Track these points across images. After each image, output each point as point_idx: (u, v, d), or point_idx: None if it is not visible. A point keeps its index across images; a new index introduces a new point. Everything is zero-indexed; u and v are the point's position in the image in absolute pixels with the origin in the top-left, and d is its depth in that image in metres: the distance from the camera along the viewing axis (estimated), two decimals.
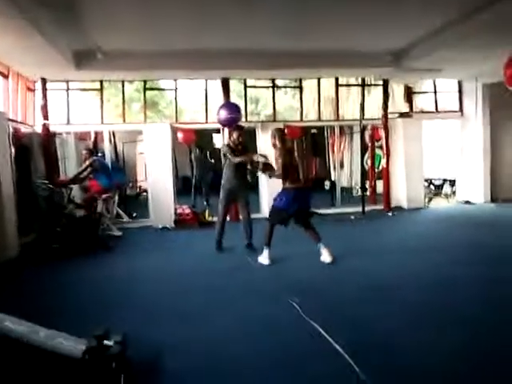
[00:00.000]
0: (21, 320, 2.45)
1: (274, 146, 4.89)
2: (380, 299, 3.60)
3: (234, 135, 5.48)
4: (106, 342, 2.42)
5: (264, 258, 4.85)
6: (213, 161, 10.91)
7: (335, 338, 2.77)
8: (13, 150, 6.14)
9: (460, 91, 9.46)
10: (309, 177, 11.67)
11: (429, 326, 3.00)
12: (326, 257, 4.72)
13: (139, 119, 10.90)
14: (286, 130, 5.32)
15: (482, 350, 2.62)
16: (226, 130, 7.90)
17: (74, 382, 2.24)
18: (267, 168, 4.94)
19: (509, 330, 2.88)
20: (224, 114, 7.33)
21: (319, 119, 9.36)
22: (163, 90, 10.26)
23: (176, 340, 2.90)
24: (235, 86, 9.59)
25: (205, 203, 9.95)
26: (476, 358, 2.51)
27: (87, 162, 6.62)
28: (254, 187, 8.44)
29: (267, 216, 5.08)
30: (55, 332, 2.44)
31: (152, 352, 2.70)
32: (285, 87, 11.21)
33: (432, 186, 10.51)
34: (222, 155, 5.61)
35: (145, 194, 10.66)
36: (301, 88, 8.98)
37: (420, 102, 10.57)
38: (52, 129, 7.50)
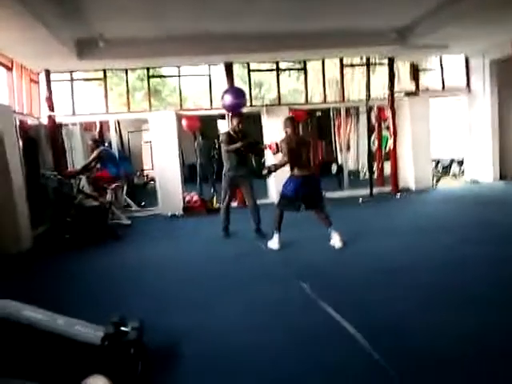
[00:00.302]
0: (39, 308, 2.51)
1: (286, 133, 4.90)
2: (390, 281, 3.62)
3: (234, 122, 5.49)
4: (123, 328, 2.49)
5: (274, 243, 4.88)
6: (217, 146, 10.88)
7: (346, 320, 2.81)
8: (20, 143, 6.19)
9: (467, 68, 9.29)
10: (315, 162, 11.63)
11: (439, 308, 3.02)
12: (336, 241, 4.71)
13: (142, 108, 10.90)
14: (294, 117, 5.28)
15: (491, 331, 2.62)
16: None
17: (94, 368, 2.30)
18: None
19: None
20: (229, 99, 7.29)
21: (325, 101, 9.25)
22: (167, 77, 10.19)
23: (188, 326, 2.94)
24: (238, 71, 9.49)
25: (211, 190, 9.97)
26: (486, 340, 2.52)
27: (95, 153, 6.65)
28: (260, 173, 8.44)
29: (276, 202, 5.08)
30: (73, 319, 2.49)
31: (165, 339, 2.74)
32: (288, 69, 11.09)
33: (440, 166, 10.42)
34: (220, 143, 5.65)
35: (152, 182, 10.71)
36: (305, 70, 8.87)
37: (426, 80, 10.40)
38: (58, 120, 7.52)
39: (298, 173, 4.72)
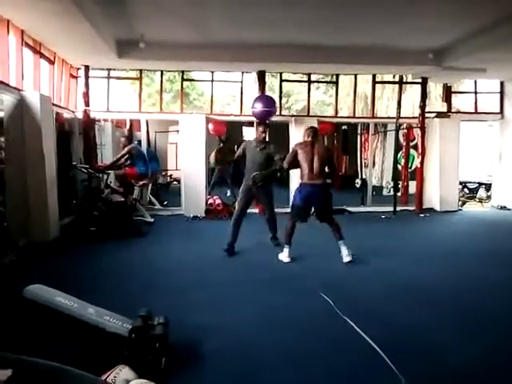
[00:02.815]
0: (71, 296, 2.58)
1: None
2: (408, 299, 3.62)
3: (259, 130, 5.26)
4: (150, 322, 2.54)
5: (284, 256, 4.83)
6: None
7: (366, 333, 2.81)
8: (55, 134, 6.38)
9: (502, 92, 9.13)
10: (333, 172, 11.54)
11: (458, 328, 2.99)
12: (344, 256, 4.65)
13: (170, 109, 11.07)
14: (317, 129, 5.16)
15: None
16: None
17: (120, 359, 2.34)
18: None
19: None
20: (259, 106, 7.35)
21: (354, 115, 9.23)
22: (199, 81, 10.33)
23: (208, 326, 2.98)
24: (267, 80, 9.57)
25: (228, 193, 9.96)
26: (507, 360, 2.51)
27: (126, 149, 6.78)
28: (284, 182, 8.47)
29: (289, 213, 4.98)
30: (103, 310, 2.55)
31: (187, 336, 2.78)
32: (318, 82, 11.11)
33: (466, 189, 10.23)
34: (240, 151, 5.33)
35: (175, 183, 10.85)
36: (337, 83, 8.89)
37: (458, 102, 10.28)
38: (92, 115, 7.72)
39: (307, 181, 4.68)
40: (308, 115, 8.83)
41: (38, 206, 5.44)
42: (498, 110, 9.18)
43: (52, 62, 6.71)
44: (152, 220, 7.02)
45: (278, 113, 8.12)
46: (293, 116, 8.99)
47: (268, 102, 7.46)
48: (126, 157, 6.78)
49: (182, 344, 2.67)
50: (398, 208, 8.32)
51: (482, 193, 10.06)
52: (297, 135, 8.27)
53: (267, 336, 2.87)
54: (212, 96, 8.81)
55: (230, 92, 14.13)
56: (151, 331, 2.46)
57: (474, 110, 9.25)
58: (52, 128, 5.97)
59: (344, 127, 11.44)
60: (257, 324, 3.07)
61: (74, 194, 7.12)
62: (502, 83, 9.11)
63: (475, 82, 9.09)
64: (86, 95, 7.50)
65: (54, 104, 6.47)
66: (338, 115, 9.04)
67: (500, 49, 6.31)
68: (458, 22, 5.87)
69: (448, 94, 9.21)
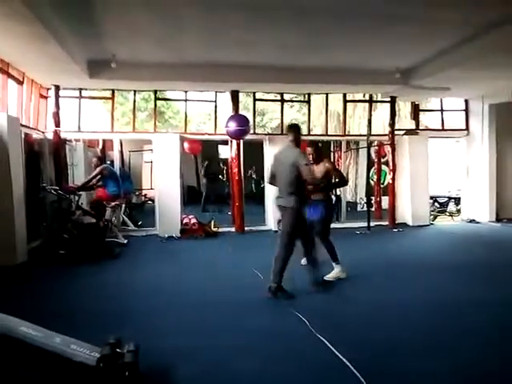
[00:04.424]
0: (36, 326, 2.47)
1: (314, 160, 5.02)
2: (386, 318, 3.59)
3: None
4: (119, 350, 2.45)
5: (337, 273, 4.71)
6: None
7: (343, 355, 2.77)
8: (24, 155, 6.21)
9: (467, 110, 9.54)
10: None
11: (440, 350, 2.97)
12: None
13: (145, 128, 11.01)
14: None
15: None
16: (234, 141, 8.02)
17: None
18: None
19: None
20: (233, 125, 7.42)
21: (326, 134, 9.41)
22: (174, 100, 10.32)
23: (181, 351, 2.89)
24: (242, 98, 9.68)
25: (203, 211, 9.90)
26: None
27: (98, 170, 6.66)
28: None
29: (318, 236, 4.68)
30: (70, 338, 2.46)
31: (160, 363, 2.69)
32: (291, 101, 11.31)
33: (437, 204, 10.52)
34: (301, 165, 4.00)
35: (150, 202, 10.69)
36: (309, 102, 9.08)
37: (426, 119, 10.64)
38: (62, 135, 7.58)
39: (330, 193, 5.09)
40: (282, 133, 8.92)
41: (5, 229, 5.23)
42: (463, 127, 9.57)
43: (21, 83, 6.58)
44: (125, 241, 6.89)
45: (252, 131, 8.21)
46: (267, 134, 9.09)
47: (242, 120, 7.55)
48: (97, 177, 6.66)
49: (154, 371, 2.58)
50: (372, 223, 8.47)
51: (451, 207, 10.36)
52: (271, 153, 8.34)
53: (245, 362, 2.76)
54: (186, 115, 8.81)
55: (206, 111, 14.18)
56: (120, 359, 2.38)
57: (441, 127, 9.61)
58: (20, 149, 5.81)
59: (319, 144, 11.62)
60: (234, 349, 2.97)
61: (44, 216, 6.91)
62: (466, 101, 9.53)
63: (441, 100, 9.48)
64: (57, 115, 7.38)
65: (22, 125, 6.32)
66: (312, 133, 9.18)
67: (460, 69, 6.62)
68: (420, 44, 6.15)
69: (416, 111, 9.55)
